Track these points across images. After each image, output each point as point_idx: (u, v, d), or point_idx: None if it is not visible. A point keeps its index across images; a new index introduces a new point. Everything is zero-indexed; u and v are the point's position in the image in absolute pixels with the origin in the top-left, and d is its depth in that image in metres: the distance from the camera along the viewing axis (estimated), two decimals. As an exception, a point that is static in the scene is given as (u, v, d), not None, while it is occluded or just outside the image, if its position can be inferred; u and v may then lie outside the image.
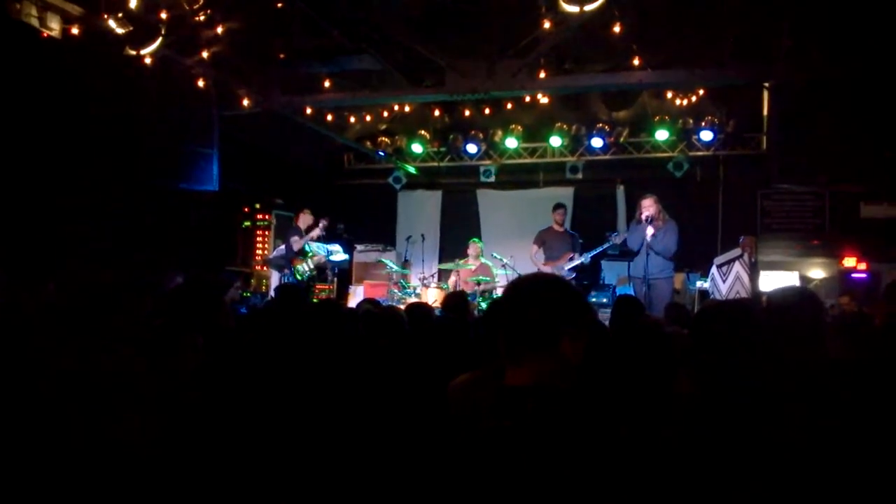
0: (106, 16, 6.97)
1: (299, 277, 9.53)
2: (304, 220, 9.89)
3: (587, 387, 1.92)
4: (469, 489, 1.60)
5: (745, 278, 8.14)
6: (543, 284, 1.85)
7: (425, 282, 10.49)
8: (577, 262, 9.44)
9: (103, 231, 8.26)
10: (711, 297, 8.58)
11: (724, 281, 8.31)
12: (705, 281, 9.32)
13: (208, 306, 3.76)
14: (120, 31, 7.07)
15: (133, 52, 7.37)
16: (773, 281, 10.00)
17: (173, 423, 2.64)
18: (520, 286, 1.89)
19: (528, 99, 10.24)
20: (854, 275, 10.54)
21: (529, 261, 9.99)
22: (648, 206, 8.18)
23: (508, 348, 1.76)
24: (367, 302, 5.69)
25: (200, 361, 3.09)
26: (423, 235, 11.60)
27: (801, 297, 3.10)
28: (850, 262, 10.61)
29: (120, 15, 6.98)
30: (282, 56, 8.94)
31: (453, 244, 12.17)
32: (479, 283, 9.86)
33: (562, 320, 1.74)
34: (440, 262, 12.21)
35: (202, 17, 7.42)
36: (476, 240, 10.61)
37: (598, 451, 1.60)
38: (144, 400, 2.63)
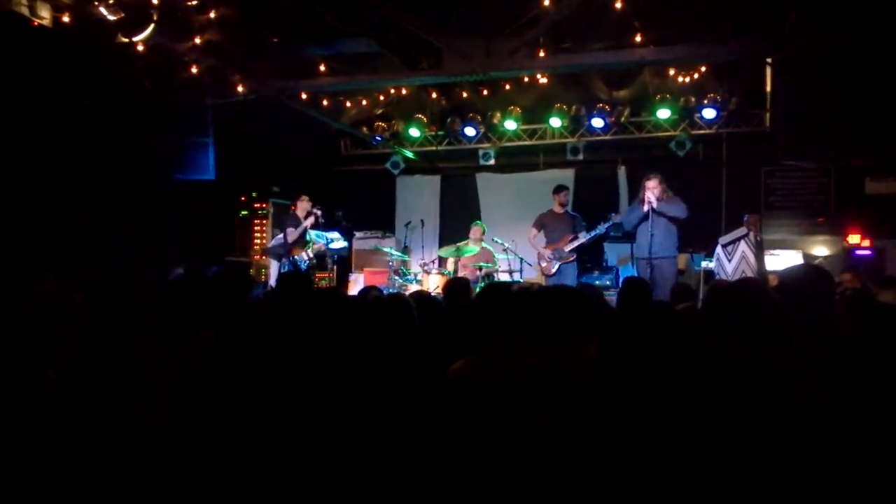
0: (97, 3, 6.86)
1: (302, 266, 9.41)
2: (303, 207, 9.76)
3: (602, 370, 2.24)
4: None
5: (751, 257, 8.03)
6: (576, 298, 2.26)
7: (426, 268, 10.38)
8: (577, 243, 9.33)
9: (98, 223, 8.17)
10: (717, 277, 8.47)
11: (730, 261, 8.20)
12: (710, 261, 9.22)
13: (235, 299, 3.69)
14: (111, 18, 6.96)
15: (125, 40, 7.24)
16: (778, 260, 9.91)
17: (185, 413, 2.59)
18: (555, 298, 2.28)
19: (526, 79, 10.11)
20: (858, 252, 10.45)
21: (530, 245, 9.88)
22: (653, 188, 8.04)
23: (543, 342, 2.09)
24: (373, 289, 5.60)
25: (214, 352, 3.02)
26: (422, 221, 11.49)
27: (814, 274, 3.08)
28: (854, 239, 10.52)
29: (111, 2, 6.87)
30: (275, 40, 8.79)
31: (453, 229, 12.07)
32: (480, 269, 9.76)
33: (588, 327, 2.18)
34: (440, 247, 12.11)
35: (194, 2, 7.30)
36: (479, 223, 10.50)
37: (613, 423, 1.84)
38: (157, 389, 2.59)
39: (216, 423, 2.54)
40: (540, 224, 9.67)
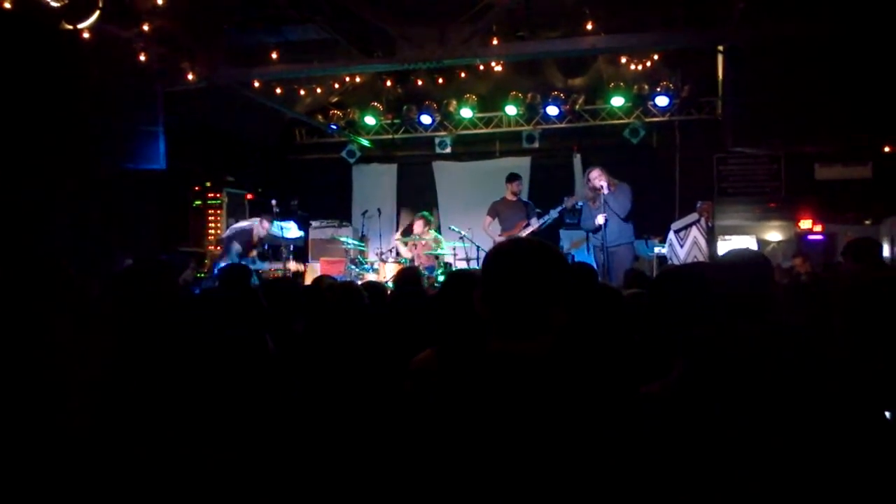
0: (40, -12, 6.68)
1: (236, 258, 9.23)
2: (262, 227, 9.54)
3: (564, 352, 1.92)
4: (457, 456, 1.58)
5: (703, 243, 8.16)
6: (539, 255, 1.76)
7: (383, 257, 10.34)
8: (531, 229, 9.36)
9: (47, 214, 7.99)
10: (670, 262, 8.60)
11: (682, 246, 8.34)
12: (663, 247, 9.34)
13: (157, 288, 3.62)
14: (55, 4, 6.78)
15: (69, 27, 7.06)
16: (731, 245, 10.09)
17: (113, 405, 2.53)
18: (514, 258, 1.79)
19: (481, 67, 10.10)
20: (810, 237, 10.68)
21: (485, 233, 9.89)
22: (598, 178, 8.09)
23: (503, 319, 1.71)
24: (325, 278, 5.57)
25: (144, 343, 2.96)
26: (379, 210, 11.39)
27: (748, 260, 3.08)
28: (805, 224, 10.74)
29: (55, -12, 6.69)
30: (225, 27, 8.66)
31: (410, 218, 12.05)
32: (437, 257, 9.76)
33: (560, 292, 1.73)
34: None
35: (141, -11, 7.16)
36: (422, 213, 10.46)
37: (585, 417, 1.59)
38: (83, 380, 2.53)
39: (148, 415, 2.49)
40: (494, 212, 9.69)
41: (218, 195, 11.46)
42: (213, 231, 11.39)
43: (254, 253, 9.36)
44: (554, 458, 1.51)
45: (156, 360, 2.82)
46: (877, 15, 7.23)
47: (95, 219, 8.73)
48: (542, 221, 9.36)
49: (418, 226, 10.14)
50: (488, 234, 9.68)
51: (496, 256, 1.82)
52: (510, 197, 9.63)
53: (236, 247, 9.40)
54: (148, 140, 8.89)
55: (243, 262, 9.09)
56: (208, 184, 11.46)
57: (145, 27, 7.83)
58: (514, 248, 1.82)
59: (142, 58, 8.36)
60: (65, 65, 7.88)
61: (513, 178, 9.69)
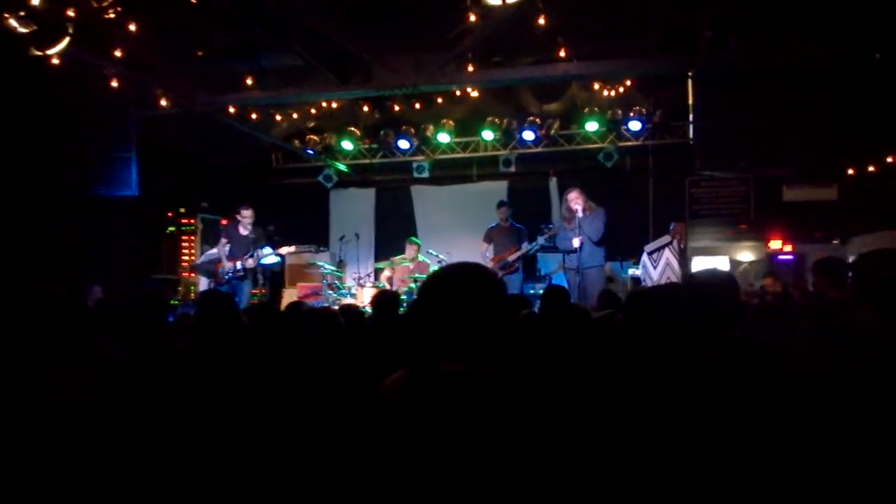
0: (7, 15, 6.63)
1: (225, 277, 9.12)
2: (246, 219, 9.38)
3: (518, 370, 2.07)
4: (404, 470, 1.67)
5: (675, 264, 8.25)
6: (475, 281, 1.85)
7: (361, 282, 10.34)
8: (519, 254, 9.54)
9: (17, 241, 7.89)
10: (643, 283, 8.69)
11: (655, 267, 8.43)
12: (637, 268, 9.44)
13: (146, 317, 3.59)
14: (23, 30, 6.74)
15: (39, 53, 7.02)
16: (704, 266, 10.19)
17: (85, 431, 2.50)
18: (452, 283, 1.87)
19: (458, 93, 10.19)
20: (780, 257, 10.80)
21: (467, 256, 9.95)
22: (575, 200, 8.22)
23: (445, 342, 1.80)
24: (300, 304, 5.56)
25: (118, 370, 2.94)
26: (357, 234, 11.40)
27: (712, 280, 3.15)
28: (775, 244, 10.88)
29: (22, 13, 6.64)
30: (200, 53, 8.65)
31: (388, 242, 12.08)
32: (415, 281, 9.77)
33: (500, 316, 1.82)
34: (376, 260, 12.08)
35: (112, 15, 7.12)
36: (413, 239, 10.54)
37: (529, 430, 1.66)
38: (55, 405, 2.50)
39: (122, 441, 2.47)
40: (489, 238, 9.96)
41: (192, 221, 11.39)
42: (186, 258, 11.30)
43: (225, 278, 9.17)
44: (502, 463, 1.60)
45: (144, 386, 2.80)
46: (840, 41, 7.42)
47: (66, 246, 8.63)
48: (530, 247, 9.55)
49: (411, 251, 10.25)
50: (484, 259, 9.80)
51: (428, 286, 1.92)
52: (502, 223, 9.83)
53: (208, 268, 9.28)
54: (121, 166, 8.82)
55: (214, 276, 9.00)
56: (182, 210, 11.40)
57: (117, 53, 7.78)
58: (442, 279, 1.91)
59: (114, 84, 8.33)
60: (35, 90, 7.82)
61: (499, 205, 10.02)
